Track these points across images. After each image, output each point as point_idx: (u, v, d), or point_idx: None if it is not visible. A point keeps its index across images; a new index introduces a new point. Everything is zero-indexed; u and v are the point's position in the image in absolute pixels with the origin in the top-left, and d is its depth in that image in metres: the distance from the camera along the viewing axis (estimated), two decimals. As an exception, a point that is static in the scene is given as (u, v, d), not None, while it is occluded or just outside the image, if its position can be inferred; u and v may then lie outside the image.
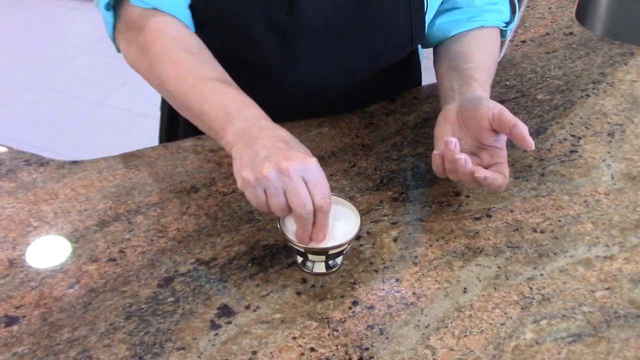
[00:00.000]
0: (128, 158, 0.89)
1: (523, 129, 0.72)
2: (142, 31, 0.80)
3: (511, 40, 1.16)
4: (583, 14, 1.28)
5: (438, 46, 0.97)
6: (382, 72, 0.97)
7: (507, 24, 0.98)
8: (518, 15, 0.98)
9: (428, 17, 0.92)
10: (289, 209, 0.66)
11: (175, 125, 1.09)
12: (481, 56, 0.90)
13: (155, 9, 0.80)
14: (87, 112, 2.79)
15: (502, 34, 1.01)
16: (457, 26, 0.95)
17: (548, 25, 1.21)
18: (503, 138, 0.76)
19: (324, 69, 0.90)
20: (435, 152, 0.78)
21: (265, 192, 0.66)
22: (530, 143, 0.71)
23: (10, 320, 0.67)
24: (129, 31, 0.83)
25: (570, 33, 1.18)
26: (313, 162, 0.67)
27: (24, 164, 0.88)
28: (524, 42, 1.16)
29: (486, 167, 0.74)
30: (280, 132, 0.70)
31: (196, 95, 0.76)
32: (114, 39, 0.87)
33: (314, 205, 0.66)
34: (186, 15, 0.84)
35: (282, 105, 0.85)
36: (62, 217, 0.80)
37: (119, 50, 0.87)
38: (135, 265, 0.73)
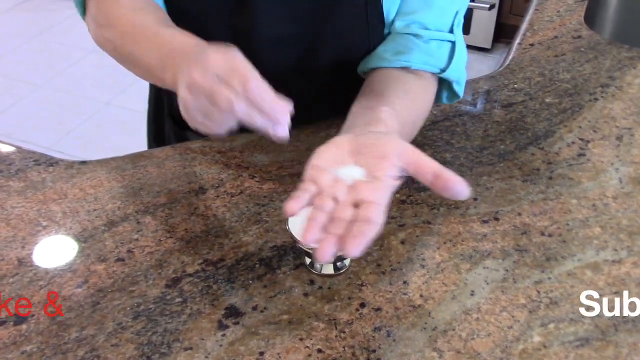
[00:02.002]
0: (136, 159, 0.89)
1: (450, 173, 0.59)
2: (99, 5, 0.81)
3: (519, 44, 1.16)
4: (592, 18, 1.28)
5: (365, 79, 0.86)
6: (349, 81, 0.92)
7: (443, 70, 0.84)
8: (460, 60, 0.85)
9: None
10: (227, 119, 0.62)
11: (161, 126, 1.10)
12: (402, 105, 0.77)
13: None
14: (95, 112, 2.80)
15: (452, 93, 0.88)
16: (380, 59, 0.84)
17: (556, 28, 1.21)
18: (397, 176, 0.62)
19: (283, 78, 0.89)
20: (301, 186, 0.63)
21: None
22: (463, 187, 0.58)
23: (19, 319, 0.67)
24: (95, 10, 0.83)
25: (579, 36, 1.18)
26: (232, 55, 0.62)
27: (34, 163, 0.88)
28: (532, 45, 1.16)
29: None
30: (193, 40, 0.69)
31: (141, 46, 0.74)
32: (83, 16, 0.87)
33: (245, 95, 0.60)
34: None
35: None
36: (70, 217, 0.80)
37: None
38: (144, 265, 0.73)
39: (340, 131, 0.73)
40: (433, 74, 0.84)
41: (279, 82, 0.89)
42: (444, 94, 0.90)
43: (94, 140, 2.62)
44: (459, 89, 0.89)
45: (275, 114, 0.61)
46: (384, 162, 0.62)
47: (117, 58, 0.82)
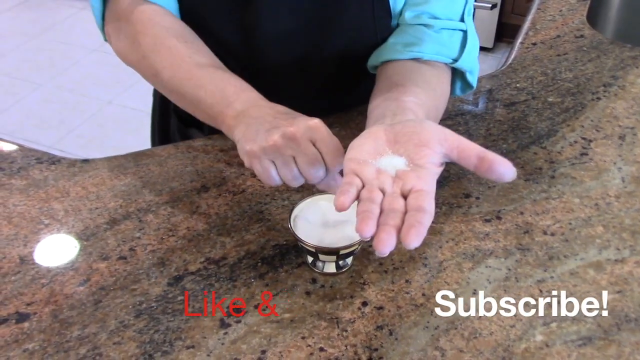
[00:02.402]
0: (139, 157, 0.89)
1: (494, 155, 0.57)
2: (131, 21, 0.80)
3: (522, 43, 1.16)
4: (594, 17, 1.28)
5: (378, 72, 0.86)
6: (353, 75, 0.94)
7: (455, 60, 0.83)
8: (472, 49, 0.84)
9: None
10: (302, 177, 0.65)
11: (167, 121, 1.09)
12: (426, 95, 0.76)
13: None
14: (97, 111, 2.80)
15: (465, 84, 0.88)
16: (391, 52, 0.83)
17: (559, 27, 1.20)
18: (440, 162, 0.60)
19: (287, 72, 0.90)
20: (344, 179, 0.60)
21: (274, 163, 0.65)
22: (509, 168, 0.56)
23: (21, 317, 0.67)
24: (118, 21, 0.83)
25: (581, 36, 1.18)
26: (317, 122, 0.65)
27: (36, 161, 0.88)
28: (534, 44, 1.16)
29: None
30: (280, 107, 0.70)
31: (191, 82, 0.75)
32: (102, 28, 0.87)
33: (326, 166, 0.64)
34: (174, 6, 0.84)
35: None
36: (73, 215, 0.80)
37: (106, 40, 0.87)
38: (146, 263, 0.73)
39: (366, 125, 0.72)
40: (446, 64, 0.84)
41: (283, 77, 0.90)
42: (457, 85, 0.89)
43: (95, 139, 2.62)
44: (473, 79, 0.88)
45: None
46: (426, 150, 0.60)
47: (155, 83, 0.82)
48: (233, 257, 0.74)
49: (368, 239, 0.54)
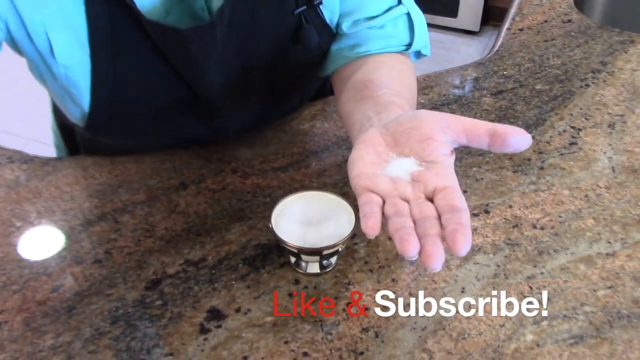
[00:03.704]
0: (114, 155, 0.86)
1: (504, 127, 0.53)
2: None
3: (509, 29, 1.13)
4: (582, 1, 1.25)
5: (334, 80, 0.81)
6: (308, 81, 0.90)
7: (408, 45, 0.79)
8: (420, 28, 0.80)
9: None
10: None
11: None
12: (395, 82, 0.72)
13: None
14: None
15: (419, 54, 0.83)
16: (339, 59, 0.79)
17: (546, 12, 1.18)
18: (450, 151, 0.56)
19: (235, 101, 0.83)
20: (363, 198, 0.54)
21: None
22: (524, 136, 0.52)
23: (-8, 326, 0.65)
24: None
25: (569, 20, 1.15)
26: None
27: (7, 161, 0.85)
28: (521, 30, 1.13)
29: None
30: None
31: None
32: None
33: None
34: None
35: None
36: (46, 217, 0.77)
37: None
38: (122, 266, 0.71)
39: (351, 135, 0.68)
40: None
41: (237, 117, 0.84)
42: (411, 55, 0.84)
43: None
44: (427, 51, 0.83)
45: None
46: (431, 143, 0.55)
47: None
48: (213, 259, 0.71)
49: (414, 258, 0.49)
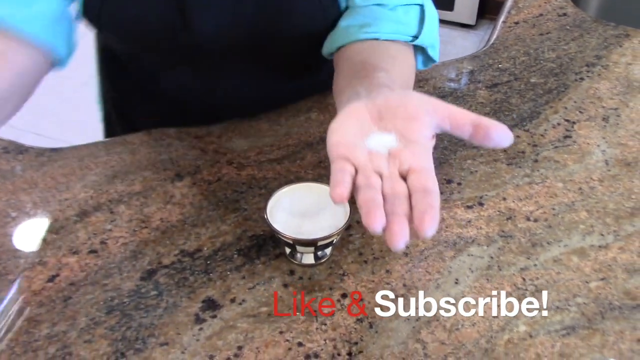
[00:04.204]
0: (110, 145, 0.86)
1: (489, 120, 0.53)
2: None
3: (504, 22, 1.13)
4: (577, -6, 1.25)
5: (336, 58, 0.80)
6: (308, 61, 0.90)
7: (415, 37, 0.78)
8: (431, 24, 0.79)
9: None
10: None
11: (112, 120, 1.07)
12: (395, 70, 0.71)
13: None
14: (73, 93, 2.74)
15: (427, 58, 0.82)
16: (346, 35, 0.78)
17: (542, 6, 1.18)
18: (432, 135, 0.56)
19: (236, 64, 0.86)
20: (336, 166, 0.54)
21: None
22: (505, 132, 0.52)
23: (-13, 316, 0.65)
24: None
25: (564, 14, 1.15)
26: None
27: (2, 151, 0.85)
28: (517, 23, 1.13)
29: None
30: None
31: None
32: None
33: None
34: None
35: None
36: (41, 207, 0.77)
37: None
38: (117, 257, 0.71)
39: (338, 107, 0.67)
40: (406, 42, 0.79)
41: (228, 67, 0.86)
42: (419, 59, 0.84)
43: (71, 121, 2.56)
44: (434, 53, 0.83)
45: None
46: (415, 123, 0.55)
47: None
48: (208, 249, 0.72)
49: (379, 233, 0.49)
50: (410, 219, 0.49)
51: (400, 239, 0.48)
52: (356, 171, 0.54)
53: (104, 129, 1.11)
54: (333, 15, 0.81)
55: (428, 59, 0.84)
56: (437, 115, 0.55)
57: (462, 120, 0.54)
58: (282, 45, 0.84)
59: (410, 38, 0.78)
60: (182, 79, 0.89)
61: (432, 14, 0.80)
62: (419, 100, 0.57)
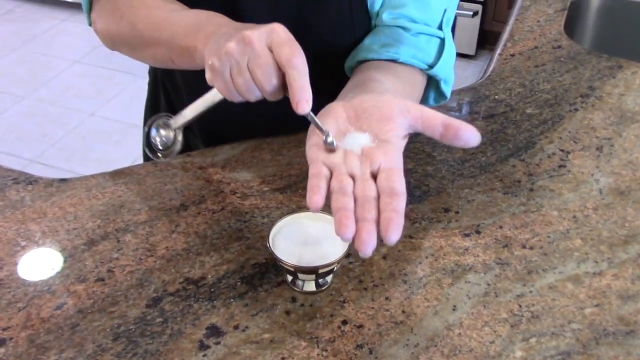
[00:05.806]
0: (117, 176, 0.89)
1: (458, 121, 0.58)
2: None
3: (500, 54, 1.16)
4: (571, 28, 1.29)
5: (353, 73, 0.83)
6: (333, 76, 0.92)
7: (431, 66, 0.82)
8: (449, 58, 0.84)
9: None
10: (256, 87, 0.61)
11: (157, 97, 1.09)
12: (396, 85, 0.75)
13: None
14: (79, 123, 2.78)
15: (439, 94, 0.86)
16: (367, 52, 0.81)
17: (537, 38, 1.21)
18: (404, 135, 0.61)
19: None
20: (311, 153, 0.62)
21: (231, 74, 0.61)
22: (473, 133, 0.58)
23: (-3, 343, 0.67)
24: (100, 2, 0.82)
25: (559, 46, 1.19)
26: (277, 25, 0.60)
27: (12, 182, 0.87)
28: (512, 55, 1.16)
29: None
30: (248, 24, 0.66)
31: (165, 23, 0.73)
32: (89, 12, 0.86)
33: (283, 66, 0.59)
34: None
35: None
36: (50, 236, 0.79)
37: (90, 25, 0.86)
38: (124, 285, 0.73)
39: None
40: (422, 70, 0.82)
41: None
42: (431, 95, 0.88)
43: (78, 152, 2.60)
44: (447, 89, 0.87)
45: (300, 95, 0.59)
46: (389, 123, 0.59)
47: (133, 40, 0.79)
48: (212, 277, 0.74)
49: (350, 240, 0.54)
50: (379, 224, 0.54)
51: (368, 247, 0.53)
52: (331, 173, 0.58)
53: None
54: (361, 32, 0.85)
55: (440, 95, 0.88)
56: (410, 115, 0.59)
57: (433, 120, 0.58)
58: (312, 52, 0.88)
59: (426, 66, 0.82)
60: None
61: (451, 51, 0.85)
62: (393, 101, 0.61)
